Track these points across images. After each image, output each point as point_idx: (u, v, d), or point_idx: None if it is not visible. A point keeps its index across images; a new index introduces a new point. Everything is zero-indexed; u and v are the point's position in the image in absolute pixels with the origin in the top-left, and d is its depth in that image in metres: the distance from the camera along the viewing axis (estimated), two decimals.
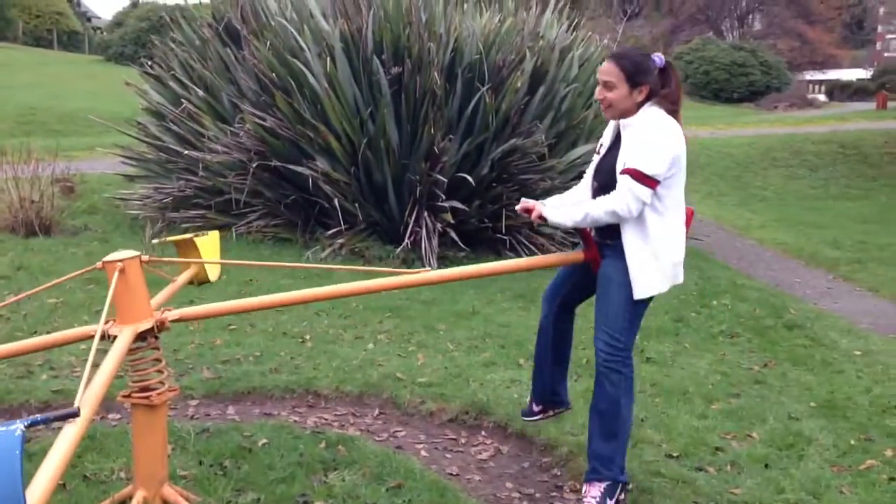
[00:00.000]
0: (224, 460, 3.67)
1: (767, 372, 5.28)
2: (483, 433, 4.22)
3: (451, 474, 3.76)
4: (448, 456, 3.98)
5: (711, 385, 4.94)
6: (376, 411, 4.47)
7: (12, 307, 5.75)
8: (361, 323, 5.96)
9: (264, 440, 3.88)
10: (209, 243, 3.26)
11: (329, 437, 3.95)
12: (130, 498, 3.04)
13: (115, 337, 2.76)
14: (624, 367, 3.14)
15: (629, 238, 3.04)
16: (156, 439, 3.07)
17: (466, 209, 8.22)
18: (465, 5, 9.49)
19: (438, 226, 8.10)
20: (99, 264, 2.80)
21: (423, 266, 7.82)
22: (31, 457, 3.65)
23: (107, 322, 2.79)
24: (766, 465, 3.80)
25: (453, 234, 8.08)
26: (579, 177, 9.18)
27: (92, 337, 2.82)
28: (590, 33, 10.72)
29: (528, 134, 8.53)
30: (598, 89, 3.11)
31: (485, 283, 7.32)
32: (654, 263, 3.05)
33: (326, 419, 4.34)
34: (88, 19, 49.34)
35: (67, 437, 1.96)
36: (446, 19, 8.87)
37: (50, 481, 1.82)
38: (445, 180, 8.16)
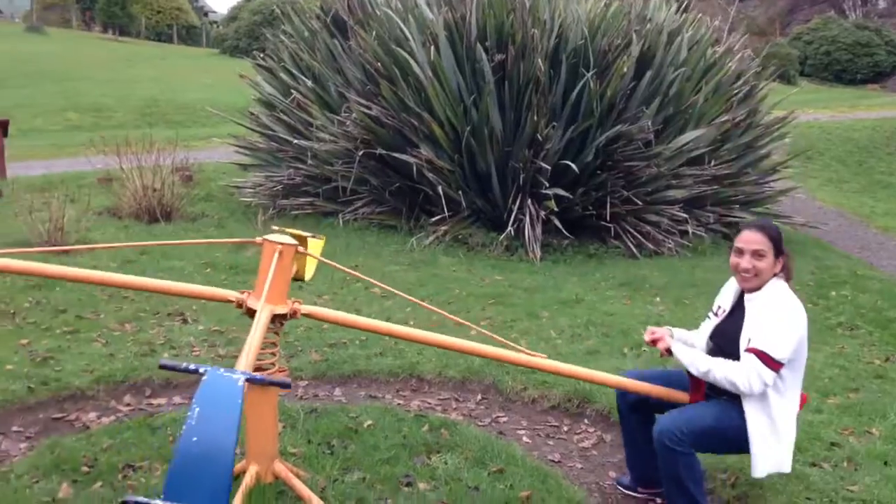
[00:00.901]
0: (331, 439, 3.79)
1: (889, 366, 5.03)
2: (586, 421, 4.21)
3: (553, 461, 3.76)
4: (550, 443, 3.99)
5: (828, 379, 4.75)
6: (479, 396, 4.52)
7: (136, 291, 6.06)
8: (464, 309, 6.01)
9: (370, 421, 3.98)
10: (317, 246, 3.39)
11: (432, 420, 4.01)
12: (244, 472, 3.19)
13: (247, 307, 2.94)
14: (689, 452, 2.99)
15: (752, 415, 2.97)
16: (267, 417, 3.21)
17: (570, 196, 8.15)
18: None
19: (542, 213, 8.06)
20: (259, 240, 2.96)
21: (527, 254, 7.80)
22: (155, 430, 3.87)
23: (244, 293, 2.98)
24: (886, 463, 3.64)
25: (557, 222, 8.03)
26: (688, 163, 8.98)
27: (229, 301, 3.01)
28: (700, 15, 10.40)
29: (634, 120, 8.37)
30: (743, 259, 3.03)
31: (588, 271, 7.27)
32: (776, 442, 2.99)
33: (429, 403, 4.41)
34: (205, 14, 51.31)
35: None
36: (550, 5, 8.79)
37: None
38: (549, 167, 8.11)
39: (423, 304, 3.59)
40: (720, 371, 2.96)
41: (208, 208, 9.60)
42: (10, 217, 7.95)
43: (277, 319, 3.04)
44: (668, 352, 3.14)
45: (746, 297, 3.08)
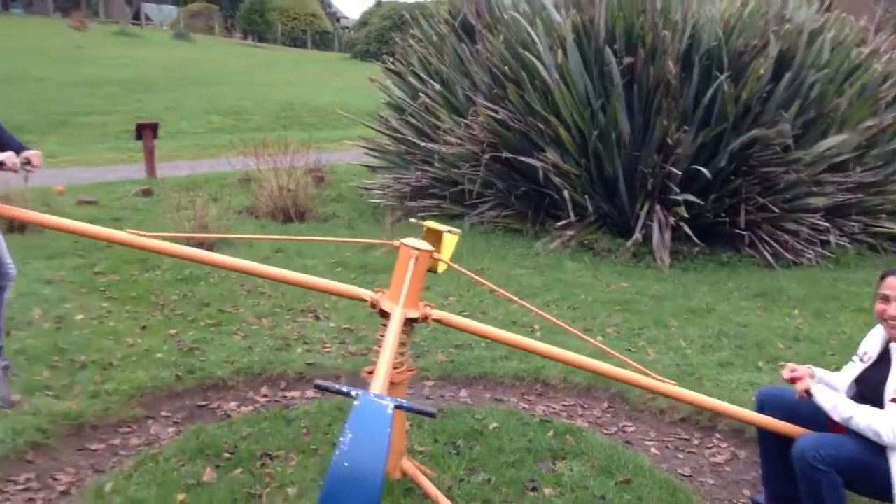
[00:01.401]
0: (457, 440, 3.86)
1: None
2: (718, 436, 4.10)
3: (683, 475, 3.69)
4: (679, 456, 3.91)
5: None
6: (605, 404, 4.48)
7: (273, 286, 6.35)
8: (590, 315, 5.96)
9: (495, 424, 4.02)
10: (451, 241, 3.46)
11: (557, 426, 4.02)
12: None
13: (380, 308, 3.05)
14: (830, 471, 2.87)
15: None
16: (396, 415, 3.30)
17: (702, 203, 7.93)
18: None
19: (671, 219, 7.89)
20: (396, 243, 3.08)
21: (655, 261, 7.66)
22: (290, 422, 4.05)
23: (378, 292, 3.09)
24: None
25: (687, 229, 7.83)
26: (830, 169, 8.54)
27: (363, 300, 3.13)
28: (843, 14, 9.89)
29: (772, 124, 8.06)
30: (890, 307, 2.96)
31: (720, 280, 7.05)
32: None
33: (555, 408, 4.41)
34: (338, 20, 52.90)
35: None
36: (683, 5, 8.58)
37: None
38: (679, 172, 7.92)
39: (548, 316, 3.60)
40: (864, 419, 2.87)
41: (339, 209, 9.92)
42: (160, 214, 8.48)
43: (409, 322, 3.13)
44: (808, 394, 3.06)
45: (893, 346, 3.00)
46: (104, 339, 5.01)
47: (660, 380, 3.19)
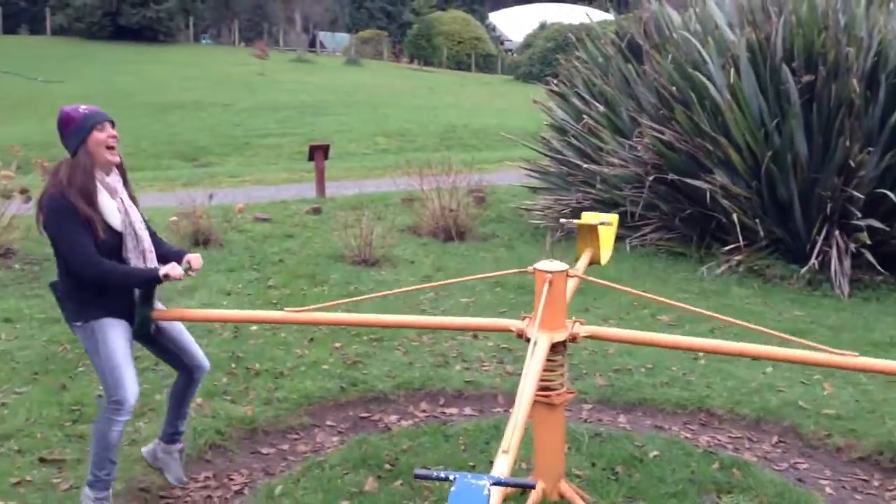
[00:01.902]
0: (616, 466, 3.78)
1: None
2: None
3: None
4: (857, 497, 3.65)
5: None
6: (775, 439, 4.25)
7: (434, 304, 6.49)
8: (759, 344, 5.67)
9: (655, 452, 3.91)
10: (608, 231, 3.42)
11: (723, 458, 3.86)
12: (532, 488, 3.28)
13: (526, 336, 3.03)
14: None
15: None
16: (555, 437, 3.28)
17: (887, 229, 7.39)
18: (892, 5, 8.53)
19: (852, 246, 7.40)
20: (530, 269, 3.09)
21: (832, 289, 7.20)
22: (448, 438, 4.11)
23: (524, 319, 3.09)
24: None
25: (869, 256, 7.31)
26: None
27: (508, 330, 3.15)
28: None
29: None
30: None
31: None
32: None
33: (720, 440, 4.24)
34: (502, 42, 53.55)
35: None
36: (869, 20, 8.08)
37: None
38: (862, 196, 7.42)
39: (751, 325, 3.44)
40: None
41: (499, 229, 10.00)
42: (328, 231, 8.88)
43: (560, 344, 3.10)
44: None
45: None
46: (276, 349, 5.29)
47: (838, 353, 2.97)
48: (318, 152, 11.79)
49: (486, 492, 1.93)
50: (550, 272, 3.01)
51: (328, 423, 4.45)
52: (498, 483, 2.04)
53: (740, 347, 3.08)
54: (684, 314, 6.24)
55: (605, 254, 3.46)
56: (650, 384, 4.87)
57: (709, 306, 6.69)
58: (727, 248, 7.99)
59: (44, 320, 5.82)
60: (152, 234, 3.45)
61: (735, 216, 7.89)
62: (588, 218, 3.67)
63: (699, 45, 8.68)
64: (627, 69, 9.62)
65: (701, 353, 5.42)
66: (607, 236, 3.46)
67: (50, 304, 5.33)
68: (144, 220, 3.41)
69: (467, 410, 4.63)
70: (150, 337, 3.42)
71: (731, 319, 3.29)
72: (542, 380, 3.18)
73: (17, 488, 3.54)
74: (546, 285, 2.98)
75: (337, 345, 5.48)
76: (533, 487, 2.22)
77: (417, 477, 2.15)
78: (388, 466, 3.79)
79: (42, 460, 3.79)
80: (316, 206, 10.33)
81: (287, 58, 39.28)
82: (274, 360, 5.11)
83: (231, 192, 11.32)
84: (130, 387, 3.23)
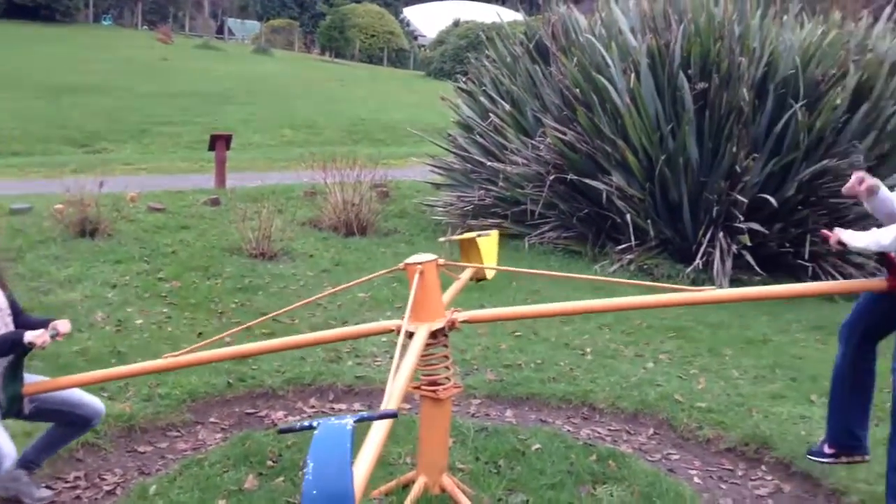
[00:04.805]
0: (499, 459, 3.85)
1: None
2: (763, 468, 3.99)
3: None
4: (723, 486, 3.83)
5: None
6: (651, 431, 4.41)
7: (329, 298, 6.45)
8: (643, 340, 5.88)
9: (538, 445, 4.00)
10: (489, 243, 3.45)
11: (600, 450, 3.97)
12: (413, 482, 3.31)
13: (407, 331, 3.04)
14: None
15: None
16: (440, 431, 3.32)
17: (766, 232, 7.76)
18: (785, 18, 8.95)
19: (734, 247, 7.74)
20: (402, 265, 3.10)
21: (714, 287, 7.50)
22: None
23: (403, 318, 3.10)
24: None
25: (749, 257, 7.66)
26: None
27: (390, 331, 3.15)
28: None
29: (844, 155, 7.84)
30: None
31: (779, 311, 6.86)
32: None
33: (599, 433, 4.36)
34: (415, 38, 53.48)
35: (381, 429, 2.24)
36: (762, 32, 8.45)
37: (368, 468, 2.10)
38: (745, 200, 7.77)
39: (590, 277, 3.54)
40: None
41: (401, 224, 10.02)
42: (226, 224, 8.70)
43: (440, 334, 3.12)
44: (841, 244, 3.06)
45: None
46: (161, 344, 5.16)
47: (699, 289, 3.11)
48: (220, 142, 11.54)
49: (349, 427, 1.94)
50: (421, 263, 3.03)
51: (212, 419, 4.36)
52: (361, 419, 2.05)
53: (604, 304, 3.17)
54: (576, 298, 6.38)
55: (490, 270, 3.50)
56: (538, 379, 4.97)
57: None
58: (620, 247, 8.24)
59: None
60: (18, 312, 3.24)
61: (629, 217, 8.13)
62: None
63: (603, 50, 8.90)
64: (534, 70, 9.77)
65: (588, 349, 5.58)
66: (490, 251, 3.50)
67: None
68: (12, 298, 3.23)
69: (356, 406, 4.63)
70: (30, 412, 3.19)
71: (580, 276, 3.38)
72: (427, 374, 3.22)
73: None
74: (416, 276, 3.00)
75: (227, 340, 5.37)
76: (395, 416, 2.23)
77: (281, 432, 2.13)
78: (270, 463, 3.75)
79: None
80: (214, 197, 10.11)
81: (193, 44, 38.24)
82: (158, 356, 4.95)
83: (125, 181, 10.94)
84: (6, 452, 3.04)
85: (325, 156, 9.90)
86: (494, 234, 3.54)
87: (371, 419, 2.20)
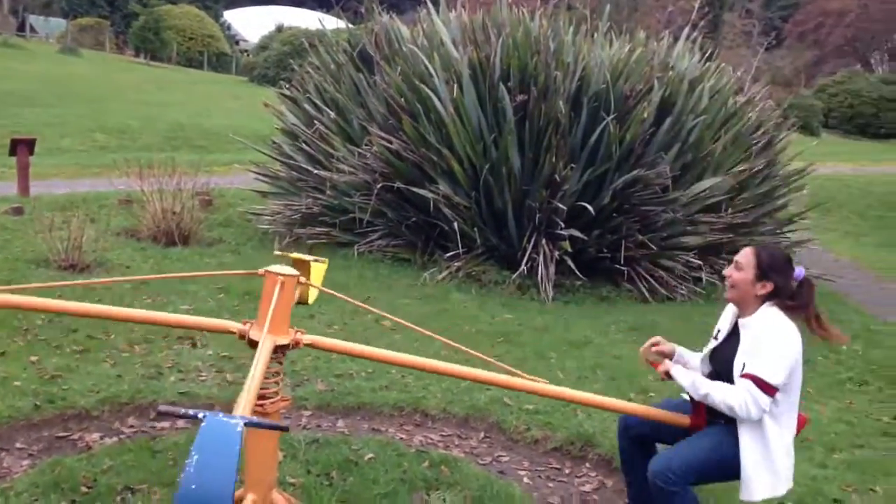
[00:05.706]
0: (331, 471, 3.79)
1: None
2: (587, 465, 4.18)
3: None
4: (550, 485, 3.97)
5: (834, 434, 4.70)
6: (481, 434, 4.51)
7: (150, 310, 6.12)
8: (473, 346, 5.88)
9: (370, 455, 3.98)
10: (320, 270, 3.40)
11: (433, 456, 4.01)
12: (241, 500, 3.19)
13: (249, 338, 2.94)
14: (682, 490, 3.00)
15: (746, 441, 2.99)
16: (267, 446, 3.21)
17: (585, 238, 8.17)
18: (595, 35, 9.48)
19: (556, 253, 8.08)
20: (261, 271, 2.98)
21: (539, 294, 7.80)
22: (156, 454, 3.89)
23: (246, 323, 2.99)
24: None
25: (570, 263, 8.03)
26: (704, 210, 8.98)
27: (230, 332, 3.02)
28: (723, 64, 10.46)
29: (652, 165, 8.40)
30: (729, 268, 3.14)
31: (599, 314, 7.25)
32: (768, 469, 2.99)
33: (432, 439, 4.40)
34: (237, 42, 52.06)
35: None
36: (575, 48, 8.89)
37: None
38: (565, 208, 8.14)
39: (438, 336, 3.56)
40: (718, 395, 2.98)
41: (226, 234, 9.70)
42: (31, 235, 8.06)
43: (280, 350, 3.05)
44: (668, 375, 3.18)
45: (741, 322, 3.11)
46: None
47: (533, 379, 3.22)
48: (22, 147, 10.70)
49: (239, 429, 1.85)
50: (283, 275, 2.95)
51: (18, 445, 4.01)
52: (251, 423, 1.96)
53: (449, 369, 3.21)
54: (405, 319, 6.42)
55: (314, 294, 3.45)
56: (369, 388, 4.95)
57: (430, 311, 6.97)
58: (448, 254, 8.38)
59: None
60: None
61: (456, 224, 8.29)
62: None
63: (426, 60, 9.03)
64: (359, 78, 9.76)
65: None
66: (317, 277, 3.45)
67: None
68: None
69: (179, 423, 4.41)
70: None
71: (448, 342, 3.42)
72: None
73: None
74: (278, 287, 2.91)
75: (33, 358, 4.98)
76: (287, 430, 2.15)
77: (160, 414, 1.99)
78: (84, 489, 3.49)
79: None
80: (17, 205, 9.35)
81: None
82: None
83: None
84: None
85: (142, 162, 9.40)
86: (326, 263, 3.50)
87: (262, 426, 2.11)
